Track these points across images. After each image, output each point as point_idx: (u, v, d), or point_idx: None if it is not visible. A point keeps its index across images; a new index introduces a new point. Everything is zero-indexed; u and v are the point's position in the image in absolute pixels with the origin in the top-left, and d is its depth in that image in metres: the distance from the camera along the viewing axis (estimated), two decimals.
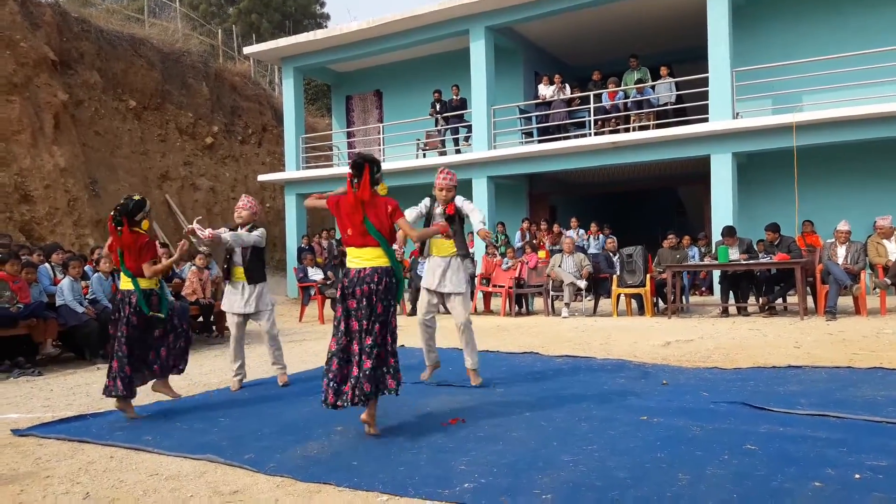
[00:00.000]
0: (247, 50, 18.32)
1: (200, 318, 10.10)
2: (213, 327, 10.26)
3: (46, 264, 8.85)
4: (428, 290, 5.58)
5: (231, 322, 5.95)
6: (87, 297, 8.22)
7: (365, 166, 4.20)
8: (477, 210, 5.52)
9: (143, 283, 4.95)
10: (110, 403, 5.02)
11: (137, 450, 4.06)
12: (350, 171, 4.23)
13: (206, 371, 6.97)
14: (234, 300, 5.85)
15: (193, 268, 9.84)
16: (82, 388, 6.27)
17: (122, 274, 5.02)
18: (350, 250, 4.30)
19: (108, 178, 16.11)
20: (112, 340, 4.98)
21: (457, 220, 5.51)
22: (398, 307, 4.64)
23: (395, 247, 4.41)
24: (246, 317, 5.91)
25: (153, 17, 22.37)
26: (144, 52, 18.16)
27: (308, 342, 9.15)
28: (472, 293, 11.83)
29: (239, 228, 5.80)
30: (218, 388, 5.97)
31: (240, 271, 5.83)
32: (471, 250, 5.82)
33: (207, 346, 9.26)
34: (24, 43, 14.46)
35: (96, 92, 16.46)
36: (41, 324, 7.54)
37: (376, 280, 4.16)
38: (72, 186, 14.72)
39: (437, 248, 5.53)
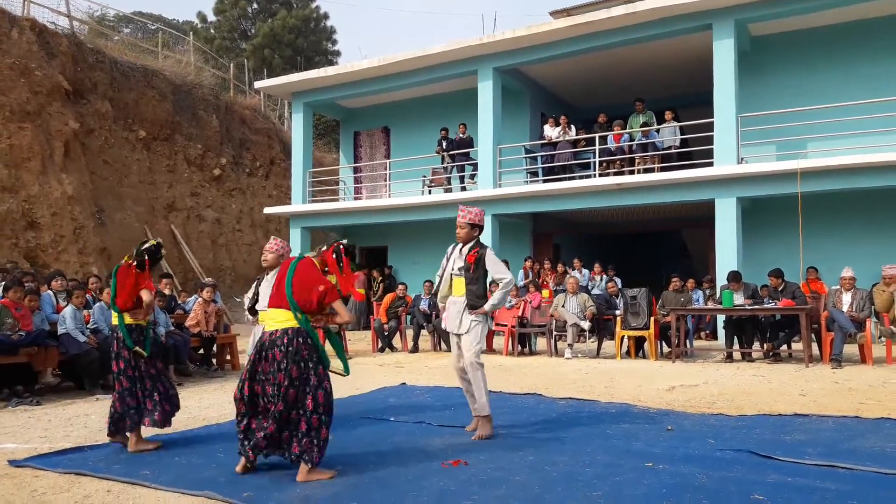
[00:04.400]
0: (258, 84, 18.57)
1: (201, 351, 10.04)
2: (214, 360, 10.20)
3: (49, 291, 8.84)
4: (451, 333, 5.37)
5: None
6: (88, 325, 8.19)
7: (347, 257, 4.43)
8: (504, 281, 5.18)
9: (128, 319, 5.01)
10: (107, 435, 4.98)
11: (135, 484, 4.01)
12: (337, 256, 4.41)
13: (205, 405, 6.91)
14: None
15: (199, 300, 9.82)
16: (80, 419, 6.20)
17: (112, 312, 5.09)
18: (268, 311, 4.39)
19: (114, 206, 16.20)
20: (112, 378, 5.01)
21: (479, 272, 5.22)
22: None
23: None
24: None
25: (167, 49, 22.73)
26: (156, 84, 18.42)
27: None
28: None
29: (265, 272, 5.76)
30: (217, 423, 5.90)
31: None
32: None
33: (207, 379, 9.18)
34: (38, 71, 14.69)
35: (107, 121, 16.65)
36: (42, 352, 7.48)
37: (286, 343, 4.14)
38: (78, 214, 14.80)
39: (457, 288, 5.30)
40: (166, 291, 9.89)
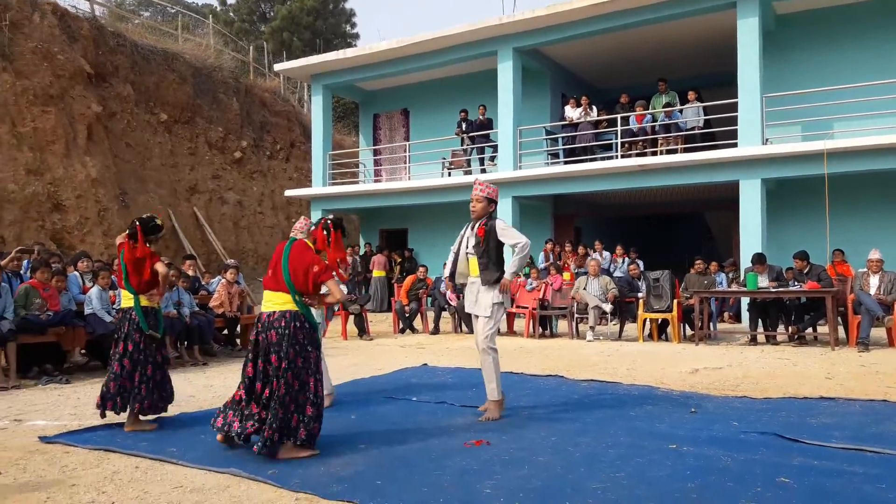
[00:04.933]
0: (277, 67, 18.56)
1: (225, 331, 10.15)
2: (238, 340, 10.31)
3: (75, 272, 8.97)
4: (471, 315, 5.33)
5: None
6: (114, 306, 8.29)
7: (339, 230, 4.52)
8: (519, 245, 5.02)
9: (143, 301, 5.04)
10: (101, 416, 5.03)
11: (162, 461, 4.07)
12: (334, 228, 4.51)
13: (229, 384, 6.98)
14: None
15: (223, 281, 9.91)
16: None
17: (123, 291, 5.08)
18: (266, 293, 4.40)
19: (137, 189, 16.35)
20: (110, 359, 5.04)
21: (490, 245, 5.10)
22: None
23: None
24: None
25: (187, 32, 22.79)
26: (177, 67, 18.50)
27: (331, 358, 9.12)
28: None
29: None
30: None
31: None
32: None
33: (231, 358, 9.29)
34: (61, 56, 14.80)
35: (129, 104, 16.77)
36: (70, 332, 7.62)
37: (283, 325, 4.19)
38: (102, 197, 14.96)
39: (472, 268, 5.23)
40: (190, 273, 9.99)
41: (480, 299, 5.16)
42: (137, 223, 5.03)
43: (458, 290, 5.62)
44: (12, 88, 13.90)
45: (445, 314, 12.29)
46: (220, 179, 19.13)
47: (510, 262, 5.06)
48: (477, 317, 5.22)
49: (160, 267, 5.02)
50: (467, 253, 5.26)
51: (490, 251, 5.12)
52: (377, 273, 16.48)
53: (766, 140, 12.36)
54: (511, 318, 11.85)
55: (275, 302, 4.27)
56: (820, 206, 11.41)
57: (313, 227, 4.59)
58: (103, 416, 4.98)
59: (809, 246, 10.49)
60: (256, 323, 4.34)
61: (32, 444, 4.51)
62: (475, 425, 4.92)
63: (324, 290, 4.34)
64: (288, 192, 18.11)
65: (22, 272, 8.59)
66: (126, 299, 5.07)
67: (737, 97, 12.48)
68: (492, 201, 5.24)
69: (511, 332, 11.62)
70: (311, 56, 18.11)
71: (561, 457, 4.04)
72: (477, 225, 5.20)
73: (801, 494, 3.31)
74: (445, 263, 5.79)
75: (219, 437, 4.33)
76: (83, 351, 8.05)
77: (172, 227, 16.73)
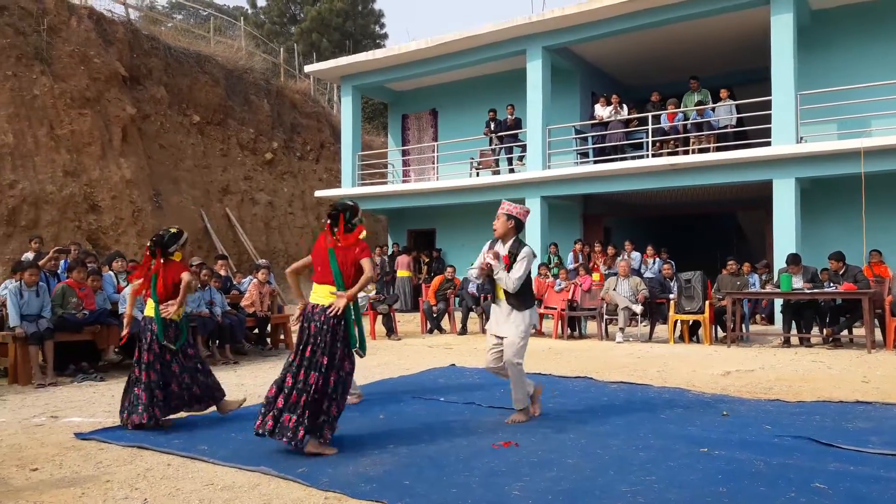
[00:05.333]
0: (308, 68, 18.72)
1: (256, 330, 10.26)
2: (268, 340, 10.42)
3: (110, 272, 9.14)
4: (491, 335, 5.17)
5: None
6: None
7: (340, 217, 4.44)
8: (511, 278, 4.89)
9: (162, 313, 5.07)
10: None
11: (194, 458, 4.13)
12: (328, 220, 4.49)
13: (259, 383, 7.06)
14: None
15: (254, 281, 10.02)
16: None
17: (149, 300, 5.14)
18: (316, 286, 4.45)
19: (171, 190, 16.60)
20: (133, 366, 5.09)
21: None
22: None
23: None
24: None
25: (219, 34, 23.09)
26: (209, 69, 18.75)
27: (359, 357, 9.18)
28: None
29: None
30: None
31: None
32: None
33: (262, 357, 9.39)
34: (97, 59, 15.10)
35: (162, 106, 17.04)
36: (105, 330, 7.76)
37: (324, 319, 4.28)
38: (136, 198, 15.22)
39: (500, 291, 5.04)
40: (222, 273, 10.12)
41: (510, 322, 4.98)
42: (156, 241, 5.12)
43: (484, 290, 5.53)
44: (50, 91, 14.21)
45: (473, 314, 12.28)
46: (251, 180, 19.34)
47: (508, 279, 4.90)
48: (501, 338, 5.03)
49: (185, 275, 5.10)
50: (496, 277, 4.98)
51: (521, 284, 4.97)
52: (401, 273, 16.53)
53: (801, 138, 12.14)
54: (540, 319, 11.79)
55: (319, 294, 4.38)
56: (856, 206, 11.18)
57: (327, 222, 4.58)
58: (156, 424, 4.92)
59: (845, 246, 10.28)
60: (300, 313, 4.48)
61: (68, 441, 4.61)
62: (503, 426, 4.90)
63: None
64: (318, 193, 18.25)
65: (59, 272, 8.78)
66: (149, 308, 5.12)
67: (770, 95, 12.27)
68: (511, 217, 5.03)
69: (539, 332, 11.57)
70: (341, 57, 18.25)
71: (590, 459, 4.01)
72: (506, 251, 4.99)
73: (837, 500, 3.24)
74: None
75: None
76: (117, 349, 8.20)
77: (205, 228, 16.97)
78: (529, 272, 5.02)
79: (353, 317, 4.44)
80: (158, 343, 5.03)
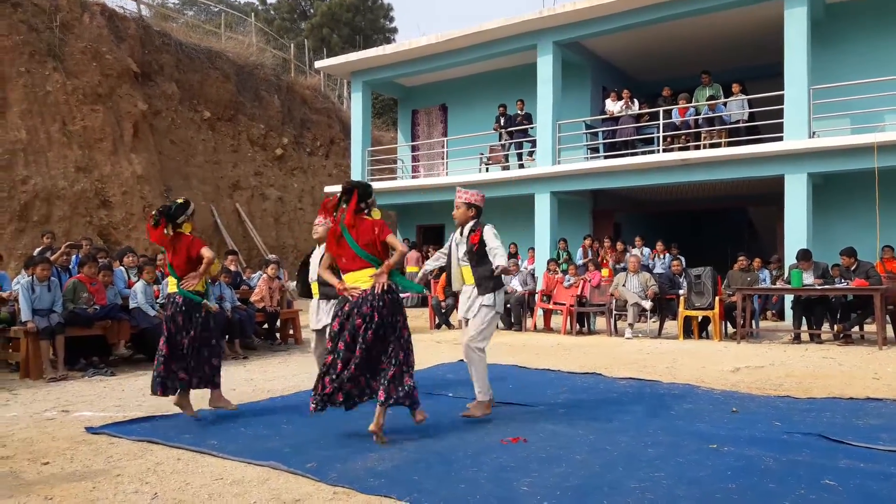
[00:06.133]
0: (318, 64, 18.74)
1: (265, 325, 10.30)
2: (277, 335, 10.45)
3: (121, 267, 9.19)
4: (462, 319, 5.27)
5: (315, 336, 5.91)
6: (158, 300, 8.49)
7: (353, 192, 4.41)
8: (500, 255, 4.92)
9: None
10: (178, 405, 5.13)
11: (203, 453, 4.15)
12: (341, 194, 4.46)
13: (269, 377, 7.09)
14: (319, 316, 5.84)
15: (264, 276, 10.06)
16: None
17: (169, 277, 5.16)
18: (346, 276, 4.43)
19: (181, 185, 16.68)
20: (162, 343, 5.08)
21: (482, 249, 5.01)
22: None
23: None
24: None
25: (229, 30, 23.15)
26: (220, 65, 18.81)
27: None
28: (524, 317, 11.70)
29: (317, 245, 5.83)
30: (282, 395, 6.05)
31: (317, 287, 5.79)
32: (509, 280, 5.13)
33: (271, 352, 9.43)
34: (109, 55, 15.18)
35: (173, 102, 17.11)
36: (115, 325, 7.82)
37: (377, 298, 4.28)
38: (147, 193, 15.30)
39: (466, 276, 5.13)
40: (232, 268, 10.16)
41: (475, 305, 5.07)
42: (161, 212, 5.07)
43: (450, 295, 5.56)
44: (63, 88, 14.30)
45: None
46: (261, 176, 19.41)
47: (497, 257, 4.91)
48: (467, 320, 5.14)
49: (206, 252, 5.06)
50: (460, 261, 5.14)
51: (484, 256, 5.01)
52: (410, 269, 16.53)
53: (813, 133, 12.04)
54: (548, 314, 11.78)
55: (360, 279, 4.37)
56: (869, 201, 11.09)
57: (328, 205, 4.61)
58: (161, 393, 5.01)
59: (857, 242, 10.19)
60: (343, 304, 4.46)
61: (79, 435, 4.64)
62: (512, 422, 4.90)
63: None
64: (328, 189, 18.28)
65: (70, 267, 8.84)
66: (172, 284, 5.14)
67: (783, 89, 12.18)
68: (471, 206, 5.11)
69: (548, 328, 11.56)
70: (351, 53, 18.25)
71: (599, 455, 4.01)
72: (468, 232, 5.07)
73: (848, 497, 3.22)
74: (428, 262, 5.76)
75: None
76: (128, 344, 8.25)
77: (215, 223, 17.04)
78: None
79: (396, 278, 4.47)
80: (183, 315, 5.00)
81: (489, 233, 5.01)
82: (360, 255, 4.36)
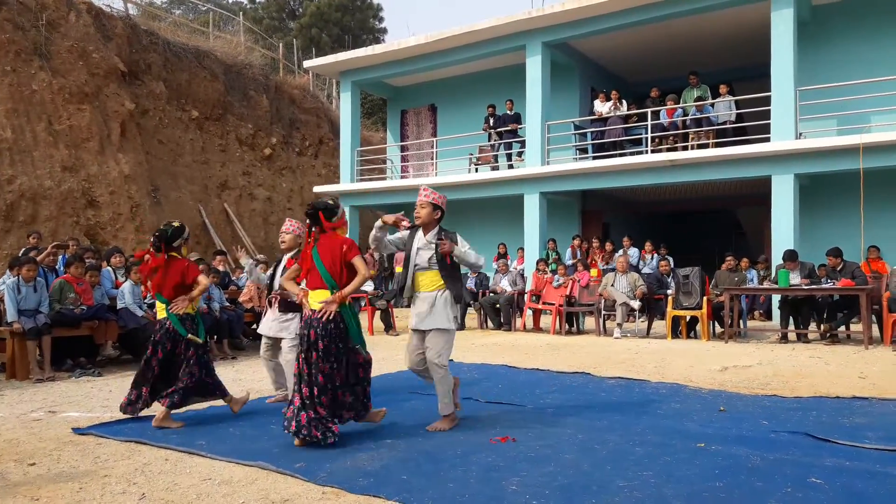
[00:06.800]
0: (307, 64, 18.69)
1: (254, 326, 10.24)
2: None
3: (108, 267, 9.13)
4: (413, 330, 4.84)
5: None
6: (145, 300, 8.44)
7: (318, 214, 4.41)
8: (471, 252, 4.75)
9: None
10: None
11: (191, 453, 4.13)
12: (308, 221, 4.45)
13: (258, 378, 7.07)
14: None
15: None
16: None
17: (157, 303, 5.11)
18: (311, 293, 4.44)
19: (169, 185, 16.58)
20: (143, 363, 5.04)
21: (453, 260, 4.77)
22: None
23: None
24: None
25: (217, 30, 23.04)
26: (208, 64, 18.71)
27: None
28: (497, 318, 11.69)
29: (285, 254, 5.80)
30: (270, 395, 6.04)
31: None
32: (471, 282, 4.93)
33: (259, 353, 9.36)
34: (96, 54, 15.06)
35: (161, 102, 17.00)
36: (102, 325, 7.76)
37: (323, 324, 4.27)
38: (135, 193, 15.19)
39: (424, 283, 4.75)
40: (220, 268, 10.11)
41: (437, 314, 4.67)
42: (159, 236, 5.04)
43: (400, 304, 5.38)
44: (49, 87, 14.18)
45: (471, 310, 12.27)
46: (250, 176, 19.32)
47: (466, 253, 4.73)
48: (424, 332, 4.75)
49: (203, 279, 5.07)
50: (419, 267, 4.76)
51: (454, 266, 4.78)
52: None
53: (800, 134, 12.14)
54: (537, 314, 11.80)
55: (317, 300, 4.36)
56: (854, 202, 11.19)
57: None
58: (132, 413, 5.00)
59: (843, 242, 10.29)
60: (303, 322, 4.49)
61: (66, 436, 4.61)
62: (501, 422, 4.91)
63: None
64: (317, 189, 18.25)
65: (57, 267, 8.77)
66: (160, 310, 5.08)
67: (770, 90, 12.27)
68: (437, 208, 4.86)
69: (537, 328, 11.58)
70: (340, 52, 18.23)
71: (587, 454, 4.02)
72: (433, 237, 4.76)
73: (833, 495, 3.25)
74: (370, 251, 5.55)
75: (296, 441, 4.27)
76: (115, 344, 8.20)
77: (203, 223, 16.95)
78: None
79: (352, 314, 4.43)
80: (172, 342, 4.97)
81: (461, 240, 4.83)
82: (322, 276, 4.36)
